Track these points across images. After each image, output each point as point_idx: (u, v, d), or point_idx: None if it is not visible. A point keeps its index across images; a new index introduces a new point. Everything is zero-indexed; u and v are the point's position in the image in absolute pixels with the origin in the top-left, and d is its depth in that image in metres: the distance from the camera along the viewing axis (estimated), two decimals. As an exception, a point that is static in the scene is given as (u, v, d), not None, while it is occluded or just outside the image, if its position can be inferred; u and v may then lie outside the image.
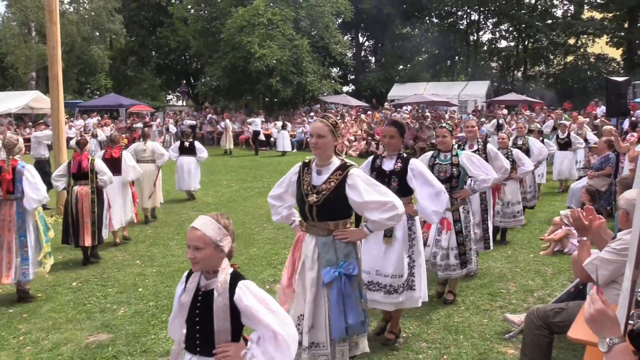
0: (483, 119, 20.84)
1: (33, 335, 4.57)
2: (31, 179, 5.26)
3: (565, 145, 11.22)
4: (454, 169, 4.93)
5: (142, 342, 4.37)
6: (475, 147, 6.00)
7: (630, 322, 2.11)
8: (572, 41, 34.41)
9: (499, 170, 5.68)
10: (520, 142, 8.68)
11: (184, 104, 38.96)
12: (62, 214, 7.08)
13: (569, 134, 11.31)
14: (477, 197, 5.82)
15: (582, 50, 34.75)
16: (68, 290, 5.70)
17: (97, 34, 31.84)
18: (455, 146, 5.46)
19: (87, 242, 6.37)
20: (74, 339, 4.48)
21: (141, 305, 5.23)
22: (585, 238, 3.12)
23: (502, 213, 7.24)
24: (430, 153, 5.15)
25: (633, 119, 14.94)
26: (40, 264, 5.45)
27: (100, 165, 6.64)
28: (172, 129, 18.93)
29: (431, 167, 4.90)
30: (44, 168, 9.95)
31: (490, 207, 6.14)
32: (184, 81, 38.14)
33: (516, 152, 7.29)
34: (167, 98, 43.25)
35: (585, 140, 11.78)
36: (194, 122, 18.83)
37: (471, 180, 5.33)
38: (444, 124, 5.20)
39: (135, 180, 8.03)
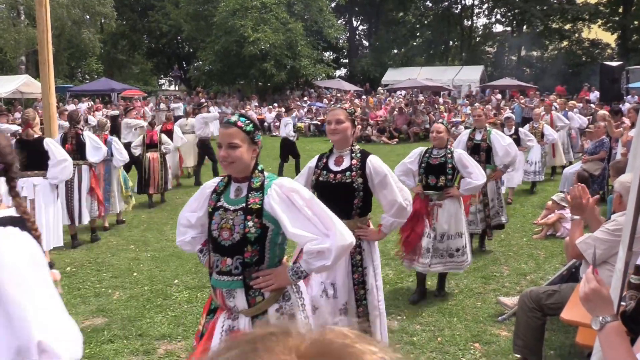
0: (477, 104, 20.82)
1: (28, 320, 4.56)
2: (117, 147, 7.41)
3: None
4: (251, 224, 2.22)
5: (138, 326, 4.39)
6: (346, 163, 3.18)
7: (622, 303, 2.13)
8: (567, 26, 34.33)
9: (389, 208, 3.19)
10: (478, 138, 6.23)
11: (177, 88, 38.64)
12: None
13: (517, 130, 8.56)
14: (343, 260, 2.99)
15: (576, 35, 34.70)
16: (62, 275, 5.66)
17: (88, 17, 31.33)
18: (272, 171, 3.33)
19: (156, 190, 9.11)
20: (69, 323, 4.49)
21: (136, 290, 5.23)
22: (578, 217, 3.15)
23: (433, 250, 4.61)
24: (216, 180, 2.49)
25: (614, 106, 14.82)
26: (125, 202, 7.84)
27: (165, 138, 9.34)
28: (92, 120, 18.32)
29: (211, 213, 2.34)
30: (207, 145, 10.94)
31: (377, 271, 3.28)
32: (176, 65, 37.77)
33: (459, 156, 4.75)
34: (160, 82, 42.87)
35: (542, 136, 9.61)
36: (116, 112, 18.37)
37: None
38: (233, 118, 2.32)
39: (182, 146, 10.80)
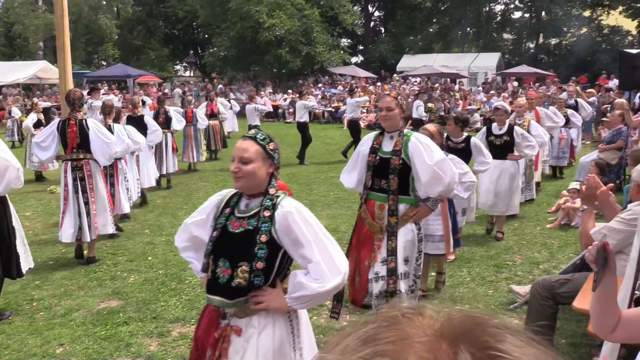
0: (492, 92, 20.55)
1: (46, 302, 4.67)
2: (201, 116, 10.89)
3: None
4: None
5: (152, 308, 4.46)
6: None
7: (636, 292, 2.12)
8: (587, 13, 33.61)
9: None
10: (387, 149, 3.57)
11: (192, 74, 38.69)
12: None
13: (511, 129, 6.30)
14: None
15: (596, 22, 33.98)
16: (80, 259, 5.79)
17: (104, 2, 31.49)
18: None
19: (220, 147, 12.50)
20: (85, 305, 4.58)
21: (151, 274, 5.31)
22: (587, 207, 3.11)
23: None
24: None
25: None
26: (201, 154, 11.11)
27: (222, 109, 12.70)
28: (16, 112, 17.36)
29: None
30: (357, 127, 12.24)
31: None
32: (192, 51, 37.81)
33: (285, 218, 2.13)
34: (175, 68, 42.97)
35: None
36: (48, 104, 18.01)
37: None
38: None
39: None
